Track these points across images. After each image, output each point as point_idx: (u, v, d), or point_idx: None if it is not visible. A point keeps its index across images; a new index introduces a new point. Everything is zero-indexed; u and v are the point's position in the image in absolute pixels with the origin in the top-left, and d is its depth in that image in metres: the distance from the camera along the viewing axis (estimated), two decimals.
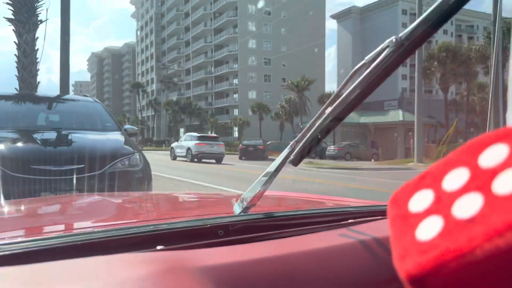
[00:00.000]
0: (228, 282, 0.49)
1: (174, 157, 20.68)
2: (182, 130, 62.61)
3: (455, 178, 0.27)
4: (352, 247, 0.62)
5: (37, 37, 8.95)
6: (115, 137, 3.94)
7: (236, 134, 47.76)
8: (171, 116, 55.17)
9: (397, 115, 33.11)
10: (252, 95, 54.54)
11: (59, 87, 8.85)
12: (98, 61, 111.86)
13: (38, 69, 9.15)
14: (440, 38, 53.06)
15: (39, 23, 8.80)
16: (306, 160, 25.23)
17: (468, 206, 0.25)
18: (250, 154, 23.21)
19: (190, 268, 0.49)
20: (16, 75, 8.76)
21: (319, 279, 0.54)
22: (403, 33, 0.61)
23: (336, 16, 62.74)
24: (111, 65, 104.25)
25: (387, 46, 0.61)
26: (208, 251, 0.56)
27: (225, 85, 57.42)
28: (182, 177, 10.86)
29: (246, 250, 0.57)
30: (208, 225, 0.70)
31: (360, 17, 59.99)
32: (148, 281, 0.43)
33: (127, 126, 4.56)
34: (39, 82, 9.24)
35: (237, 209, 0.80)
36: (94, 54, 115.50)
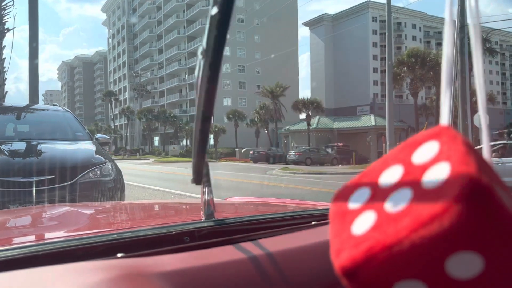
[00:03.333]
0: (189, 287, 0.48)
1: None
2: (156, 138, 61.90)
3: (390, 175, 0.29)
4: (315, 248, 0.62)
5: (4, 46, 8.75)
6: (86, 147, 3.88)
7: (211, 142, 47.57)
8: (145, 124, 54.48)
9: (369, 120, 33.75)
10: (227, 102, 54.51)
11: (27, 97, 8.65)
12: (69, 70, 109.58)
13: (6, 79, 8.93)
14: (409, 44, 54.52)
15: (6, 31, 8.60)
16: (282, 166, 25.23)
17: (398, 201, 0.27)
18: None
19: (148, 274, 0.48)
20: None
21: (281, 280, 0.54)
22: None
23: (309, 24, 63.63)
24: (82, 73, 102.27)
25: None
26: (170, 257, 0.55)
27: None
28: (156, 186, 10.74)
29: (209, 255, 0.57)
30: (173, 232, 0.69)
31: (332, 24, 61.02)
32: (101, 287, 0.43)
33: (98, 135, 4.49)
34: (6, 92, 9.01)
35: (204, 215, 0.81)
36: (65, 62, 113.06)
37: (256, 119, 40.75)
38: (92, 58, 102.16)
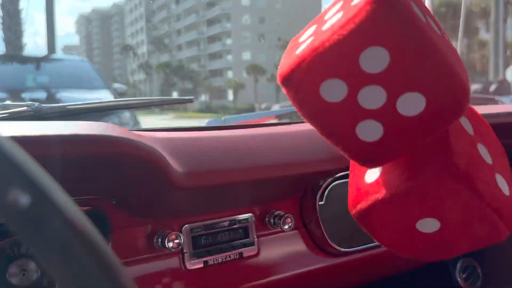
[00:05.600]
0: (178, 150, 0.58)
1: None
2: (175, 94, 62.00)
3: (331, 13, 0.35)
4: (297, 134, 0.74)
5: None
6: (104, 96, 3.86)
7: (230, 97, 47.39)
8: (164, 79, 54.44)
9: None
10: (246, 56, 53.65)
11: (46, 50, 8.61)
12: (87, 23, 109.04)
13: (24, 30, 8.87)
14: None
15: None
16: None
17: (332, 20, 0.32)
18: None
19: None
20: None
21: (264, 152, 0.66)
22: None
23: None
24: (100, 27, 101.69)
25: None
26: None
27: (218, 46, 56.32)
28: None
29: (202, 133, 0.67)
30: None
31: None
32: None
33: (116, 85, 4.45)
34: (25, 44, 8.99)
35: None
36: (82, 16, 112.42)
37: (276, 74, 40.18)
38: (109, 11, 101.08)
